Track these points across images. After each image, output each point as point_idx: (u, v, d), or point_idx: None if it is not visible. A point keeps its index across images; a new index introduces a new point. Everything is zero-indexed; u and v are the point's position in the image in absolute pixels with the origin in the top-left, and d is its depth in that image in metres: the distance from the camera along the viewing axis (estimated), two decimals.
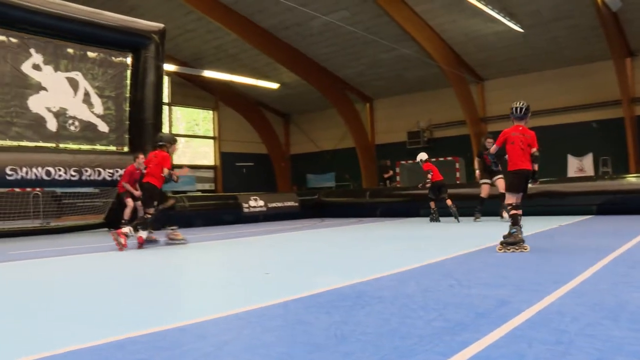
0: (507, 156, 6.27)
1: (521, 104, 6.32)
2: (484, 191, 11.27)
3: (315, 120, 29.00)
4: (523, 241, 6.01)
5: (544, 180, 13.04)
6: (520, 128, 6.24)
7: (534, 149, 6.11)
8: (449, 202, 11.83)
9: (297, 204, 16.25)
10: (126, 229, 8.10)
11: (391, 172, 19.91)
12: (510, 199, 6.19)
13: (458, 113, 22.56)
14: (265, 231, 11.79)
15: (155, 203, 8.47)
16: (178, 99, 26.28)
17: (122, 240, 7.87)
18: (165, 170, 8.10)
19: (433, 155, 20.11)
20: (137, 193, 11.43)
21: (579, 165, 20.67)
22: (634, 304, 3.20)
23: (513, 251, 5.92)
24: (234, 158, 27.59)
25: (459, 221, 11.44)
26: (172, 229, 8.81)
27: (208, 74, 23.39)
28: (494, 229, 8.56)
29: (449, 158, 22.82)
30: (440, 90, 23.51)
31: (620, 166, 19.43)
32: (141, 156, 11.83)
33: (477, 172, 11.47)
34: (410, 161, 22.57)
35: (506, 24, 17.85)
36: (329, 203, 17.12)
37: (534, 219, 11.31)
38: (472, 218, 11.54)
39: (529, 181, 6.25)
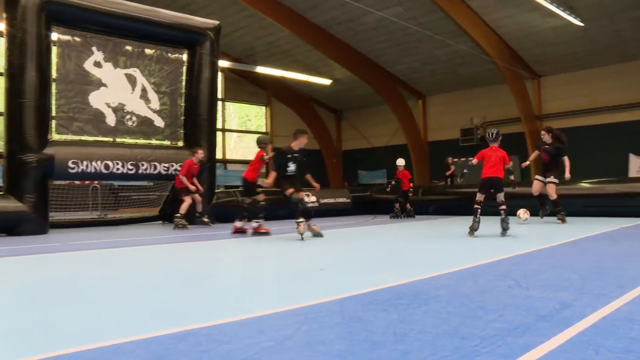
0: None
1: (494, 130, 8.55)
2: (535, 187, 10.82)
3: (368, 117, 28.89)
4: (472, 230, 7.98)
5: (602, 181, 12.63)
6: (494, 148, 8.33)
7: (507, 165, 8.27)
8: (408, 205, 13.87)
9: (349, 200, 16.24)
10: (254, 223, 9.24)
11: (453, 169, 19.78)
12: (478, 197, 8.20)
13: (513, 110, 22.06)
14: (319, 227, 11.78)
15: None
16: (231, 95, 26.61)
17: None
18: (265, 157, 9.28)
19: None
20: (193, 187, 11.69)
21: None
22: None
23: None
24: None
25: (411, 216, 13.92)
26: (257, 222, 9.47)
27: (261, 69, 23.59)
28: (548, 230, 8.36)
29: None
30: (494, 87, 23.07)
31: None
32: (200, 151, 12.06)
33: (527, 162, 11.42)
34: (463, 159, 22.25)
35: (565, 18, 17.33)
36: (380, 200, 17.02)
37: (592, 219, 10.99)
38: (538, 217, 11.13)
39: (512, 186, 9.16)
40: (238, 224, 9.53)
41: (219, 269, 5.83)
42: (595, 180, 12.89)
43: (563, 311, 3.12)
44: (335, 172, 29.60)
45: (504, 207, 7.97)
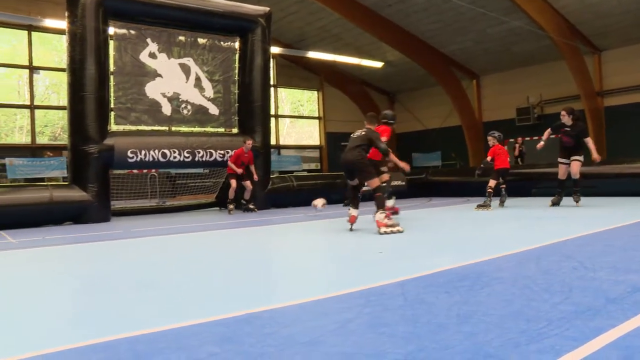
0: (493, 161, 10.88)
1: (499, 134, 11.13)
2: (562, 171, 10.14)
3: (421, 99, 28.52)
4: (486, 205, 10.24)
5: None
6: (500, 146, 10.93)
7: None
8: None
9: (404, 183, 16.09)
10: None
11: (521, 148, 19.39)
12: (491, 183, 10.63)
13: (571, 87, 21.35)
14: (373, 210, 11.74)
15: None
16: (283, 81, 26.70)
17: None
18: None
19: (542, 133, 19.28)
20: (239, 171, 12.11)
21: None
22: None
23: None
24: (338, 138, 27.72)
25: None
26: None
27: (312, 54, 23.56)
28: (603, 212, 8.08)
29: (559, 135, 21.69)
30: (551, 64, 22.34)
31: None
32: (249, 141, 12.22)
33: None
34: (534, 138, 21.65)
35: None
36: (436, 182, 16.80)
37: None
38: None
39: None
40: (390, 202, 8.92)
41: (277, 254, 5.88)
42: None
43: (634, 294, 3.02)
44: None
45: (504, 186, 11.04)
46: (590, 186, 11.47)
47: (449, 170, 21.21)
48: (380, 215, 7.40)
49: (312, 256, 5.62)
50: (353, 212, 7.65)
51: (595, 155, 9.62)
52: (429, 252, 5.19)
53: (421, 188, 16.39)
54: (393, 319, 2.70)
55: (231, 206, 12.12)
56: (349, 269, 4.47)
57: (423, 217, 9.70)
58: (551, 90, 22.94)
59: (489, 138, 11.14)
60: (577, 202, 9.75)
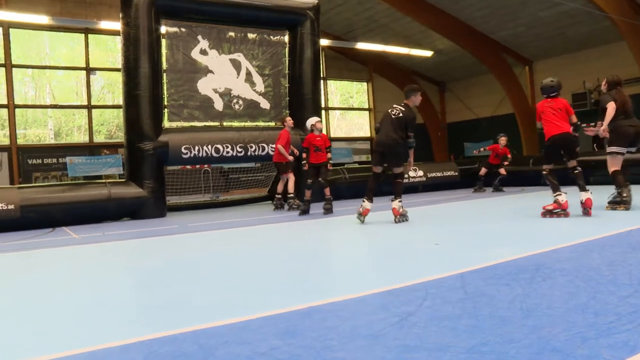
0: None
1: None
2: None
3: (471, 87, 28.03)
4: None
5: None
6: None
7: None
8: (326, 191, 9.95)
9: (456, 174, 15.90)
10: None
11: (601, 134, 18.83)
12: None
13: (633, 70, 20.53)
14: (427, 201, 11.68)
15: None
16: (332, 73, 26.68)
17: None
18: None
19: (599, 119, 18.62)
20: (291, 158, 11.37)
21: None
22: None
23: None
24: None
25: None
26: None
27: (361, 45, 23.45)
28: None
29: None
30: (610, 46, 21.56)
31: None
32: (288, 118, 11.98)
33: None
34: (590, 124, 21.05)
35: None
36: (490, 172, 16.49)
37: None
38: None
39: None
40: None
41: (332, 248, 5.90)
42: None
43: None
44: (441, 146, 29.04)
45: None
46: None
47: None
48: (398, 204, 7.40)
49: (367, 250, 5.60)
50: (367, 204, 7.57)
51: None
52: (485, 243, 5.10)
53: (474, 178, 16.13)
54: (454, 312, 2.66)
55: (297, 200, 11.23)
56: (406, 262, 4.42)
57: (476, 207, 9.56)
58: (610, 73, 22.09)
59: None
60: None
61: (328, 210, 9.73)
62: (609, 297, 2.76)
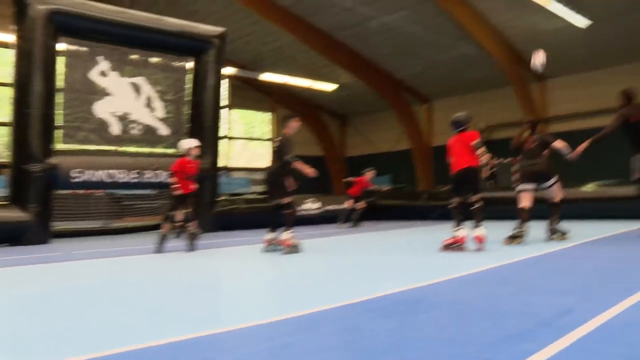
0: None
1: None
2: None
3: (372, 122, 28.90)
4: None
5: (610, 183, 12.59)
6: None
7: None
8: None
9: (365, 206, 16.24)
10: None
11: (493, 169, 19.51)
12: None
13: (517, 113, 22.00)
14: (320, 234, 11.84)
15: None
16: (236, 102, 26.67)
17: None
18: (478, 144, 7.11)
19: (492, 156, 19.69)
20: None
21: None
22: None
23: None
24: (305, 167, 27.71)
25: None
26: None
27: (266, 76, 23.64)
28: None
29: (507, 160, 22.33)
30: (499, 90, 23.01)
31: None
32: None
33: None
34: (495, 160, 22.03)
35: (572, 19, 17.20)
36: (384, 205, 17.01)
37: (598, 223, 10.95)
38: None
39: None
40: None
41: (219, 279, 5.82)
42: (601, 182, 12.83)
43: (565, 317, 3.11)
44: (340, 178, 29.59)
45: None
46: None
47: (397, 193, 21.47)
48: (288, 235, 7.50)
49: (251, 282, 5.59)
50: (271, 235, 7.76)
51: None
52: (369, 277, 5.23)
53: (370, 211, 16.55)
54: (329, 344, 2.71)
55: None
56: (289, 294, 4.46)
57: (367, 240, 9.79)
58: (499, 116, 23.59)
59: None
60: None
61: (191, 247, 8.34)
62: (475, 329, 2.91)
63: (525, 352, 2.45)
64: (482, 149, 7.05)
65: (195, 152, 8.73)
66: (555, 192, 8.21)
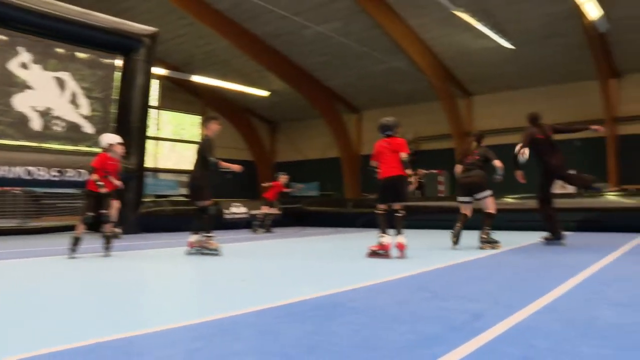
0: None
1: None
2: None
3: (303, 129, 29.06)
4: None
5: (526, 196, 13.13)
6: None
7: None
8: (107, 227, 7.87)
9: (279, 212, 16.23)
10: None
11: (421, 180, 19.84)
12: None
13: (445, 127, 22.70)
14: (245, 238, 11.77)
15: None
16: (166, 103, 26.23)
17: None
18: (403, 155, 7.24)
19: (418, 169, 20.26)
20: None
21: (563, 182, 20.76)
22: (604, 321, 3.23)
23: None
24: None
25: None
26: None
27: (197, 79, 23.36)
28: (470, 243, 8.59)
29: (434, 171, 22.96)
30: (428, 104, 23.65)
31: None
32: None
33: None
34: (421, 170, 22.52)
35: (497, 41, 17.99)
36: (311, 212, 17.12)
37: (516, 233, 11.37)
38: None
39: None
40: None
41: (138, 281, 5.68)
42: (519, 196, 13.38)
43: (475, 322, 3.22)
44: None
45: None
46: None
47: (324, 200, 21.66)
48: (195, 237, 7.63)
49: (172, 284, 5.49)
50: (193, 237, 7.72)
51: None
52: (290, 281, 5.24)
53: (296, 217, 16.63)
54: (242, 349, 2.69)
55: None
56: (209, 297, 4.42)
57: (292, 246, 9.82)
58: (427, 128, 24.23)
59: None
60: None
61: (107, 249, 7.71)
62: (388, 333, 2.96)
63: (436, 354, 2.52)
64: (409, 169, 7.24)
65: (119, 149, 8.02)
66: (487, 204, 8.59)
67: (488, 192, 8.59)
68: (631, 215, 11.85)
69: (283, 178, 14.39)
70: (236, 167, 7.63)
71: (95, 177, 7.44)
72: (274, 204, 14.10)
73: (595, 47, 17.63)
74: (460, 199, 8.77)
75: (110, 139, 8.12)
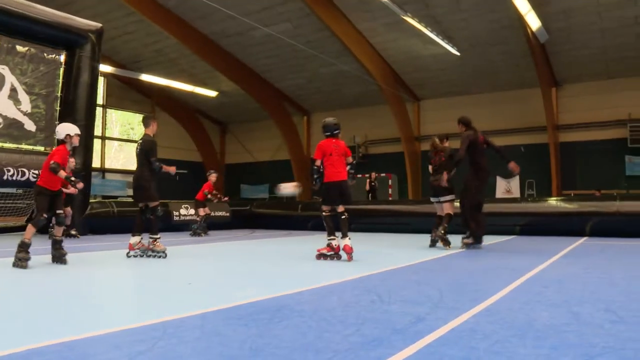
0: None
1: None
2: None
3: (252, 131, 28.93)
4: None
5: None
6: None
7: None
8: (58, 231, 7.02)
9: (228, 214, 16.11)
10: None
11: (373, 184, 19.92)
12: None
13: (394, 130, 22.98)
14: (193, 240, 11.65)
15: None
16: (114, 102, 25.69)
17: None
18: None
19: (367, 171, 20.48)
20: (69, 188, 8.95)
21: (507, 187, 21.40)
22: (541, 323, 3.33)
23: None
24: (167, 165, 27.04)
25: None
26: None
27: (146, 77, 22.98)
28: (416, 247, 8.74)
29: (383, 174, 23.21)
30: (377, 107, 23.90)
31: (543, 189, 20.30)
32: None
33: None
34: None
35: (444, 47, 18.36)
36: (261, 214, 17.06)
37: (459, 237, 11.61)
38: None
39: None
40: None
41: (80, 284, 5.55)
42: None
43: (417, 324, 3.27)
44: (217, 186, 29.23)
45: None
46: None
47: (274, 203, 21.64)
48: (135, 239, 7.50)
49: (116, 287, 5.40)
50: (133, 239, 7.55)
51: None
52: (237, 284, 5.22)
53: (246, 220, 16.56)
54: (186, 352, 2.67)
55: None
56: (154, 300, 4.35)
57: (240, 249, 9.78)
58: (376, 132, 24.50)
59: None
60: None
61: (59, 259, 6.82)
62: (333, 336, 2.98)
63: (379, 357, 2.56)
64: (355, 172, 7.50)
65: (76, 141, 6.90)
66: (446, 206, 9.16)
67: (450, 197, 9.12)
68: (572, 220, 12.25)
69: (213, 176, 13.78)
70: (171, 169, 7.60)
71: (63, 174, 6.63)
72: (204, 203, 13.60)
73: (537, 56, 18.19)
74: (432, 199, 9.50)
75: (70, 129, 6.92)
